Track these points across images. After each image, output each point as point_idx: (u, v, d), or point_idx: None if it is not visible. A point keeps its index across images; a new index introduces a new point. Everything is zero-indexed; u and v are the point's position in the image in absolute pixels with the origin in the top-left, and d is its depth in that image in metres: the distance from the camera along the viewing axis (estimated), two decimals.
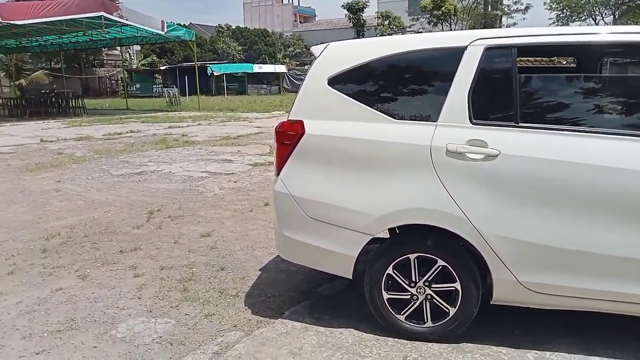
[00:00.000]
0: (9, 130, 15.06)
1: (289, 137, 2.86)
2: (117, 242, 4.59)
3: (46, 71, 26.69)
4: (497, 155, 2.47)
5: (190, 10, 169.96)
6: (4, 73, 29.97)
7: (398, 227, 2.74)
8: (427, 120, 2.64)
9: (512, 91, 2.55)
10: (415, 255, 2.68)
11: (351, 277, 2.85)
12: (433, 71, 2.79)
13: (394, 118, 2.71)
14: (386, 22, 46.45)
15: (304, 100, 2.91)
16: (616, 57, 3.80)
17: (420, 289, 2.70)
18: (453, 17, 41.19)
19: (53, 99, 22.05)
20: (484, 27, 45.93)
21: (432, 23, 42.18)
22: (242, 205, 5.88)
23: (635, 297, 2.43)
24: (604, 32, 2.72)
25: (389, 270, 2.73)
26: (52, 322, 3.08)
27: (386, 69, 2.83)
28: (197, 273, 3.81)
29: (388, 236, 2.91)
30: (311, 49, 3.14)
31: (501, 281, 2.56)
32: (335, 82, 2.82)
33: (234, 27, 52.76)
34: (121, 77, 36.71)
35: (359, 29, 49.54)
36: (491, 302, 2.69)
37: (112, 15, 18.71)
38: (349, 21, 50.29)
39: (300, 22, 71.27)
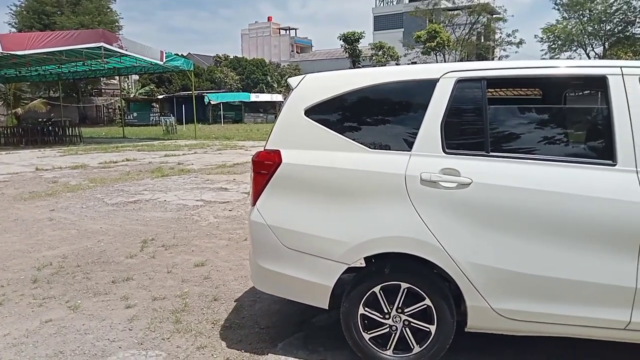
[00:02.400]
0: (4, 158, 15.04)
1: (265, 166, 2.88)
2: (110, 272, 4.53)
3: (44, 100, 26.97)
4: (470, 184, 2.53)
5: (189, 41, 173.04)
6: (2, 102, 30.21)
7: (374, 255, 2.75)
8: (401, 150, 2.69)
9: (483, 121, 2.64)
10: (390, 283, 2.70)
11: (327, 307, 2.83)
12: (407, 102, 2.85)
13: (370, 147, 2.75)
14: (380, 52, 47.30)
15: (281, 130, 2.94)
16: (577, 90, 3.97)
17: (397, 317, 2.71)
18: (446, 48, 42.01)
19: (50, 127, 22.14)
20: (477, 58, 46.92)
21: (426, 53, 43.02)
22: (237, 234, 5.84)
23: (607, 322, 2.46)
24: (564, 65, 2.84)
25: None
26: (40, 355, 3.01)
27: (361, 100, 2.88)
28: (190, 304, 3.75)
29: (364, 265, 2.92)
30: (288, 80, 3.20)
31: (475, 308, 2.58)
32: (312, 112, 2.87)
33: (232, 57, 53.60)
34: (119, 106, 36.99)
35: (355, 59, 50.41)
36: (466, 330, 2.69)
37: (112, 45, 18.99)
38: (344, 51, 51.21)
39: (297, 52, 72.51)
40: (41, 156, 15.64)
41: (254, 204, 2.93)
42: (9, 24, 36.15)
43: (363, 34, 51.02)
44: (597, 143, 2.76)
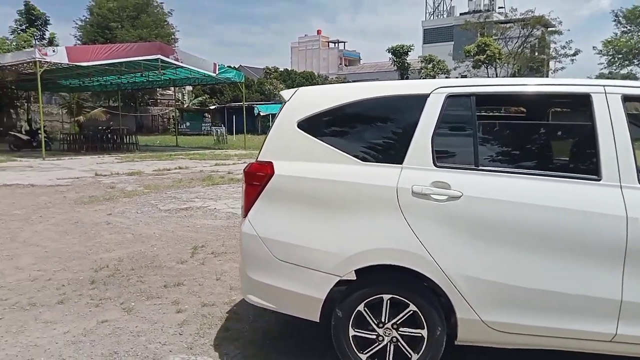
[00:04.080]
0: (67, 164, 15.90)
1: (258, 177, 2.87)
2: (162, 276, 4.67)
3: (104, 109, 28.33)
4: (460, 197, 2.56)
5: (240, 54, 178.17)
6: (66, 110, 32.03)
7: (365, 267, 2.70)
8: (393, 163, 2.71)
9: (472, 136, 2.68)
10: (382, 296, 2.68)
11: (318, 320, 2.79)
12: (399, 116, 2.86)
13: (362, 160, 2.76)
14: (429, 66, 46.78)
15: (273, 141, 2.95)
16: (561, 107, 4.05)
17: (389, 330, 2.68)
18: (497, 61, 41.02)
19: (109, 135, 23.23)
20: (530, 71, 45.55)
21: (476, 67, 42.16)
22: None
23: (594, 334, 2.48)
24: (551, 83, 2.90)
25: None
26: (96, 354, 3.13)
27: (354, 113, 2.90)
28: (239, 312, 3.80)
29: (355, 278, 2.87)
30: (280, 93, 3.21)
31: (465, 321, 2.58)
32: (305, 124, 2.88)
33: (282, 69, 54.56)
34: (173, 116, 38.36)
35: (403, 72, 50.12)
36: (456, 342, 2.69)
37: (168, 58, 19.83)
38: (393, 64, 51.02)
39: (345, 65, 72.94)
40: (100, 162, 16.42)
41: (245, 215, 2.92)
42: (75, 36, 38.44)
43: (412, 47, 50.69)
44: (583, 159, 2.84)
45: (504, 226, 2.53)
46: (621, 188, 2.48)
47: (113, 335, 3.39)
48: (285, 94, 3.05)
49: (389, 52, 50.49)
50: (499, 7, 58.50)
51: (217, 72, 22.40)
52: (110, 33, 35.01)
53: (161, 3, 39.19)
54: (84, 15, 38.51)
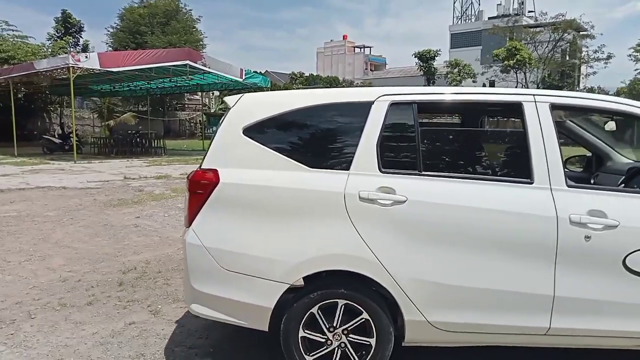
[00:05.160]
0: (97, 167, 16.29)
1: (202, 186, 2.81)
2: None
3: (133, 113, 28.94)
4: (405, 201, 2.64)
5: (266, 59, 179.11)
6: (97, 114, 32.86)
7: (313, 274, 2.68)
8: (340, 169, 2.75)
9: (415, 142, 2.79)
10: (328, 302, 2.68)
11: (267, 330, 2.75)
12: (345, 123, 2.89)
13: (309, 167, 2.77)
14: (455, 70, 46.24)
15: (218, 149, 2.90)
16: (497, 115, 4.30)
17: (337, 335, 2.69)
18: (527, 66, 40.26)
19: (137, 139, 23.69)
20: (561, 76, 44.58)
21: (505, 71, 41.48)
22: None
23: (530, 329, 2.65)
24: (486, 92, 3.05)
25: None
26: (123, 355, 3.17)
27: (301, 120, 2.91)
28: None
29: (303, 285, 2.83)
30: (224, 99, 3.13)
31: (412, 323, 2.66)
32: (251, 131, 2.85)
33: (307, 74, 54.83)
34: (200, 120, 38.93)
35: (429, 77, 49.71)
36: (403, 344, 2.75)
37: (196, 63, 20.10)
38: (419, 69, 50.65)
39: (371, 70, 72.80)
40: (129, 166, 16.76)
41: (189, 225, 2.85)
42: (106, 43, 39.44)
43: (439, 52, 50.18)
44: (517, 163, 2.94)
45: (445, 229, 2.64)
46: (551, 190, 2.66)
47: (140, 338, 3.44)
48: (230, 100, 3.01)
49: (415, 56, 50.15)
50: (529, 11, 57.54)
51: (243, 78, 22.59)
52: (141, 38, 35.79)
53: (190, 10, 39.89)
54: (115, 22, 39.51)
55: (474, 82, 46.10)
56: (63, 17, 37.72)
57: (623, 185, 3.43)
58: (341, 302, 2.68)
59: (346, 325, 2.69)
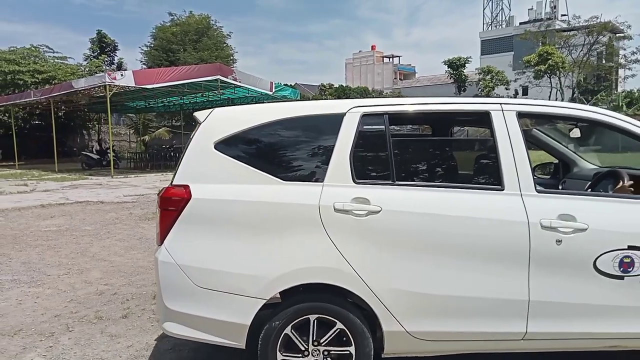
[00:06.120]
0: (133, 181, 16.74)
1: (173, 202, 2.74)
2: None
3: (168, 128, 29.66)
4: (379, 211, 2.63)
5: (296, 71, 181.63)
6: (133, 130, 33.86)
7: (290, 289, 2.62)
8: (314, 181, 2.73)
9: (387, 153, 2.79)
10: (309, 317, 2.64)
11: (244, 347, 2.67)
12: (317, 135, 2.88)
13: (283, 180, 2.74)
14: (487, 77, 45.53)
15: (189, 164, 2.83)
16: (464, 125, 4.37)
17: (315, 351, 2.65)
18: (561, 70, 39.26)
19: (172, 153, 24.26)
20: (597, 80, 43.31)
21: (538, 77, 40.58)
22: None
23: (508, 334, 2.66)
24: (455, 102, 3.02)
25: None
26: None
27: (273, 134, 2.88)
28: None
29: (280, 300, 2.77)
30: (194, 114, 3.05)
31: (391, 333, 2.64)
32: (222, 146, 2.80)
33: (337, 85, 55.07)
34: None
35: (460, 84, 49.13)
36: (383, 355, 2.72)
37: (227, 78, 20.54)
38: (449, 77, 50.16)
39: (400, 79, 72.56)
40: (164, 180, 17.12)
41: (160, 242, 2.78)
42: (140, 61, 40.70)
43: (469, 59, 49.67)
44: (488, 170, 2.99)
45: (420, 237, 2.64)
46: (522, 196, 2.68)
47: (173, 351, 3.47)
48: (200, 115, 2.94)
49: (445, 64, 49.74)
50: (562, 15, 56.35)
51: (273, 91, 22.91)
52: (174, 56, 36.78)
53: (221, 27, 40.77)
54: (148, 41, 40.75)
55: (506, 89, 45.29)
56: (98, 37, 39.20)
57: (590, 189, 3.55)
58: (317, 317, 2.64)
59: (324, 339, 2.64)
